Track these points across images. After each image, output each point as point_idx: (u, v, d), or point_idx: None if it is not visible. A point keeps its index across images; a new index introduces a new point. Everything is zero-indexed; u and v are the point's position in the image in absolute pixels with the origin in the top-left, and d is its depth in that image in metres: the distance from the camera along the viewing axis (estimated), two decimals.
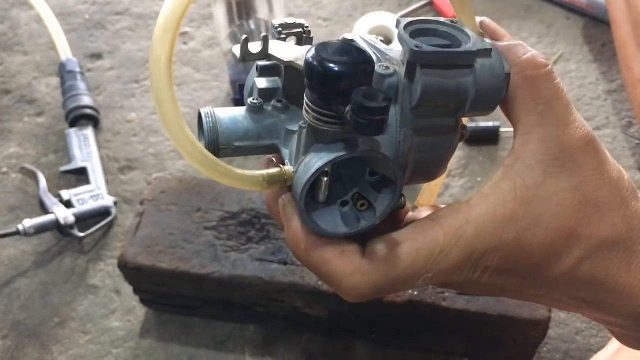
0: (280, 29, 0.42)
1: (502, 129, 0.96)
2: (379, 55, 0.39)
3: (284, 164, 0.40)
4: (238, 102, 1.00)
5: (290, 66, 0.40)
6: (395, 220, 0.45)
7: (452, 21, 0.40)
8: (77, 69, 1.02)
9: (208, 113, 0.40)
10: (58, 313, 0.81)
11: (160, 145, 0.97)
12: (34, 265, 0.86)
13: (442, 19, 0.41)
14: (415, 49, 0.37)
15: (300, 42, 0.43)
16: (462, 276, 0.40)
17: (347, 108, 0.34)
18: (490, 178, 0.40)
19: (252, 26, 0.97)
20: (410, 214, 0.46)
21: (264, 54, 0.41)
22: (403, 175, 0.39)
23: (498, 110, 0.42)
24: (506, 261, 0.39)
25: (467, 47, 0.38)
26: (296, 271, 0.71)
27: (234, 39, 0.98)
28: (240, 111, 0.41)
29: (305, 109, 0.37)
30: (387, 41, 1.02)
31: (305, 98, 0.37)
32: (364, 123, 0.34)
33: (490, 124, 0.96)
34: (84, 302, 0.82)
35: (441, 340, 0.75)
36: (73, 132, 0.96)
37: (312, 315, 0.74)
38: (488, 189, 0.40)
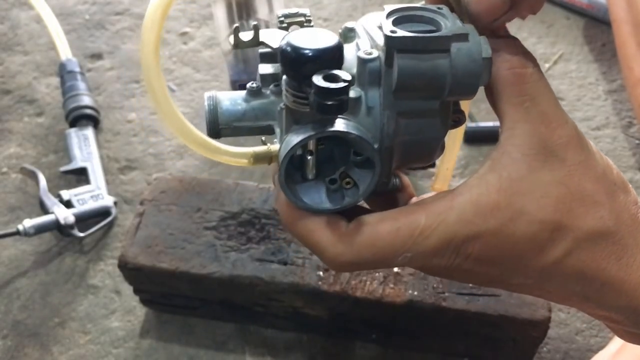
0: (282, 19, 0.44)
1: None
2: (370, 42, 0.41)
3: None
4: None
5: None
6: (395, 203, 0.46)
7: (438, 7, 0.40)
8: (77, 69, 1.02)
9: (210, 96, 0.42)
10: (58, 313, 0.81)
11: (160, 145, 0.97)
12: (34, 265, 0.86)
13: (429, 6, 0.41)
14: (389, 34, 0.38)
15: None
16: (442, 261, 0.41)
17: (311, 90, 0.36)
18: (477, 170, 0.41)
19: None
20: (414, 199, 0.47)
21: (255, 41, 0.43)
22: (390, 156, 0.41)
23: None
24: (488, 250, 0.40)
25: (442, 31, 0.38)
26: (296, 271, 0.71)
27: None
28: (240, 94, 0.43)
29: (284, 93, 0.39)
30: None
31: (282, 81, 0.39)
32: (324, 104, 0.36)
33: (491, 124, 0.95)
34: (84, 302, 0.82)
35: (441, 340, 0.75)
36: (73, 132, 0.96)
37: (312, 315, 0.74)
38: (474, 180, 0.40)
